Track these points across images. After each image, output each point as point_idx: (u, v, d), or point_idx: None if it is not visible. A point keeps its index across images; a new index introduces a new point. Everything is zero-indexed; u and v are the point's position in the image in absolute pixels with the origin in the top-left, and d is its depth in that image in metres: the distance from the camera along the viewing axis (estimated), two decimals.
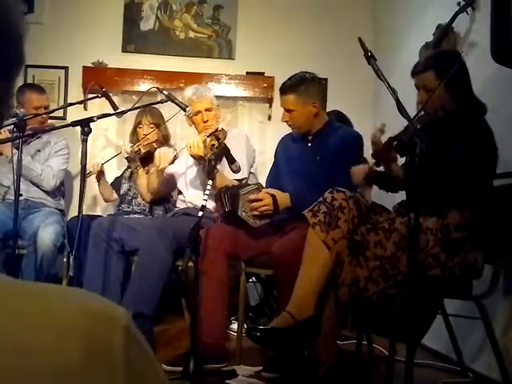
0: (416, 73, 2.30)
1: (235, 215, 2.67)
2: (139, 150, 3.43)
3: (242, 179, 3.01)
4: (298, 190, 2.71)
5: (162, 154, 3.14)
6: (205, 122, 3.11)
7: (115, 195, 3.74)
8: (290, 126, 2.81)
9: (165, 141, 3.68)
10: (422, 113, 2.12)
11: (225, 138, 2.87)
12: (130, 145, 3.46)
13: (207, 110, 3.13)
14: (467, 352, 2.54)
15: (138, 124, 3.63)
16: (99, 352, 0.44)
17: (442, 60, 2.31)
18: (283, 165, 2.93)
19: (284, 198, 2.67)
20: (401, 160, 2.29)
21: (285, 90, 2.74)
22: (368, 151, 2.66)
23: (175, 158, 3.26)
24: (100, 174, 3.58)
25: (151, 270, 2.77)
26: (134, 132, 3.69)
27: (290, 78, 2.77)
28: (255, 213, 2.65)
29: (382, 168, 2.35)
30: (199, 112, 3.11)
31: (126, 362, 0.45)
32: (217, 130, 2.91)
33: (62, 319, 0.44)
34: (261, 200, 2.64)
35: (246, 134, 3.28)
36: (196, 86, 3.29)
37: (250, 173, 3.20)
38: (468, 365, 2.53)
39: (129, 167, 3.71)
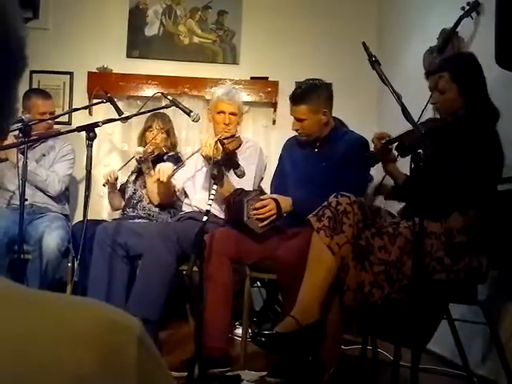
0: (431, 73, 2.30)
1: (240, 222, 2.67)
2: (152, 151, 3.45)
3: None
4: (303, 195, 2.71)
5: (162, 168, 3.10)
6: (225, 124, 3.10)
7: (123, 202, 3.75)
8: (299, 134, 2.80)
9: (172, 147, 3.69)
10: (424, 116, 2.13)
11: (239, 146, 2.88)
12: (144, 148, 3.46)
13: (232, 113, 3.12)
14: (473, 357, 2.53)
15: (148, 128, 3.64)
16: (113, 361, 0.44)
17: (457, 62, 2.31)
18: (288, 169, 2.92)
19: (285, 202, 2.67)
20: (404, 162, 2.29)
21: (296, 99, 2.72)
22: None
23: (180, 168, 3.23)
24: (115, 183, 3.58)
25: (155, 275, 2.77)
26: (143, 136, 3.69)
27: (299, 87, 2.75)
28: (260, 218, 2.66)
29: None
30: (223, 112, 3.10)
31: (140, 371, 0.45)
32: (233, 136, 2.92)
33: (77, 328, 0.44)
34: (265, 206, 2.64)
35: (260, 147, 3.28)
36: (229, 86, 3.30)
37: (259, 187, 3.20)
38: (473, 370, 2.51)
39: (134, 171, 3.72)
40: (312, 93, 2.69)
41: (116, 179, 3.53)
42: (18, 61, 0.55)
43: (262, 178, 3.26)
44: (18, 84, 0.56)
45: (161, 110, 3.31)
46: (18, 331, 0.42)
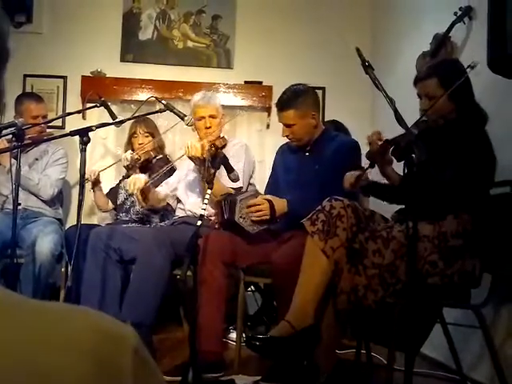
0: (419, 80, 2.31)
1: (233, 222, 2.67)
2: (139, 157, 3.45)
3: (239, 188, 3.01)
4: (297, 200, 2.71)
5: (133, 180, 3.07)
6: (207, 128, 3.12)
7: (110, 205, 3.74)
8: (290, 139, 2.80)
9: (160, 150, 3.69)
10: (423, 118, 2.13)
11: (224, 146, 2.87)
12: (130, 153, 3.46)
13: (211, 116, 3.15)
14: (466, 361, 2.54)
15: (132, 134, 3.65)
16: (108, 371, 0.44)
17: (444, 68, 2.32)
18: (282, 175, 2.93)
19: (281, 204, 2.67)
20: (396, 164, 2.29)
21: (282, 105, 2.73)
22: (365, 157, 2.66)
23: (149, 183, 3.20)
24: (96, 182, 3.58)
25: (149, 279, 2.76)
26: (129, 142, 3.70)
27: (285, 93, 2.77)
28: (253, 218, 2.66)
29: (376, 169, 2.35)
30: (203, 118, 3.12)
31: (135, 381, 0.45)
32: (218, 138, 2.92)
33: (73, 338, 0.44)
34: (258, 205, 2.65)
35: (246, 144, 3.29)
36: (204, 92, 3.31)
37: (250, 184, 3.20)
38: (467, 374, 2.52)
39: (124, 177, 3.72)
40: (298, 97, 2.71)
41: (96, 180, 3.52)
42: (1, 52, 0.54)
43: (252, 176, 3.25)
44: (2, 76, 0.55)
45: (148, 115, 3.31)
46: (13, 340, 0.42)
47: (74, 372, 0.42)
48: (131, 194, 3.11)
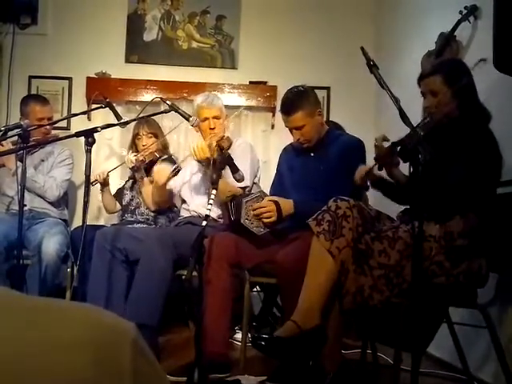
0: (423, 77, 2.30)
1: (239, 223, 2.67)
2: (144, 158, 3.45)
3: (245, 188, 3.02)
4: (303, 200, 2.71)
5: (159, 170, 3.13)
6: (211, 129, 3.13)
7: (118, 206, 3.75)
8: (302, 142, 2.79)
9: (164, 149, 3.69)
10: (428, 119, 2.12)
11: (229, 146, 2.88)
12: (134, 154, 3.47)
13: (215, 117, 3.15)
14: (473, 361, 2.52)
15: (136, 136, 3.65)
16: (109, 365, 0.44)
17: (449, 65, 2.32)
18: (287, 175, 2.93)
19: (287, 205, 2.67)
20: (402, 165, 2.29)
21: (289, 110, 2.72)
22: (370, 158, 2.66)
23: (177, 171, 3.24)
24: (105, 184, 3.59)
25: (151, 280, 2.77)
26: (133, 144, 3.70)
27: (287, 98, 2.76)
28: (260, 221, 2.66)
29: (383, 172, 2.35)
30: (207, 119, 3.12)
31: (134, 375, 0.45)
32: (222, 138, 2.92)
33: (72, 332, 0.44)
34: (264, 207, 2.64)
35: (250, 144, 3.29)
36: (207, 93, 3.32)
37: (254, 183, 3.21)
38: (474, 373, 2.51)
39: (130, 178, 3.72)
40: (301, 98, 2.71)
41: (105, 179, 3.53)
42: None
43: (256, 175, 3.25)
44: None
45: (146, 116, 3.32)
46: (15, 336, 0.43)
47: (73, 366, 0.43)
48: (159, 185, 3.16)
